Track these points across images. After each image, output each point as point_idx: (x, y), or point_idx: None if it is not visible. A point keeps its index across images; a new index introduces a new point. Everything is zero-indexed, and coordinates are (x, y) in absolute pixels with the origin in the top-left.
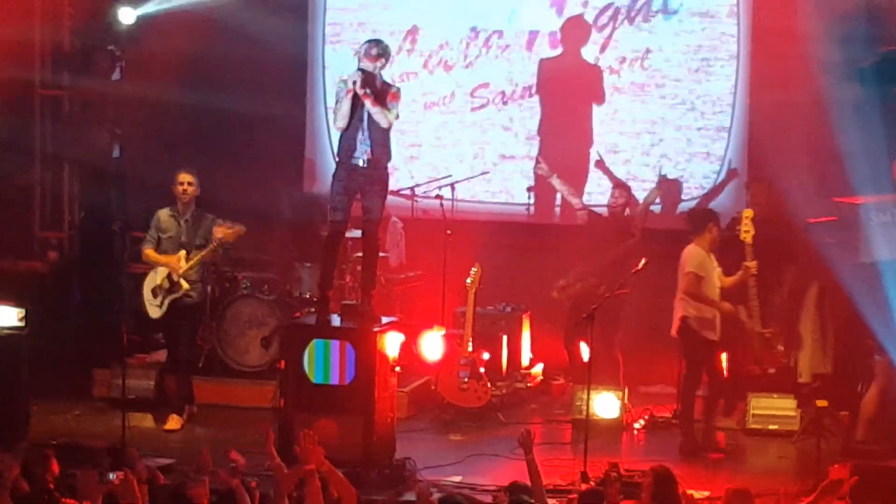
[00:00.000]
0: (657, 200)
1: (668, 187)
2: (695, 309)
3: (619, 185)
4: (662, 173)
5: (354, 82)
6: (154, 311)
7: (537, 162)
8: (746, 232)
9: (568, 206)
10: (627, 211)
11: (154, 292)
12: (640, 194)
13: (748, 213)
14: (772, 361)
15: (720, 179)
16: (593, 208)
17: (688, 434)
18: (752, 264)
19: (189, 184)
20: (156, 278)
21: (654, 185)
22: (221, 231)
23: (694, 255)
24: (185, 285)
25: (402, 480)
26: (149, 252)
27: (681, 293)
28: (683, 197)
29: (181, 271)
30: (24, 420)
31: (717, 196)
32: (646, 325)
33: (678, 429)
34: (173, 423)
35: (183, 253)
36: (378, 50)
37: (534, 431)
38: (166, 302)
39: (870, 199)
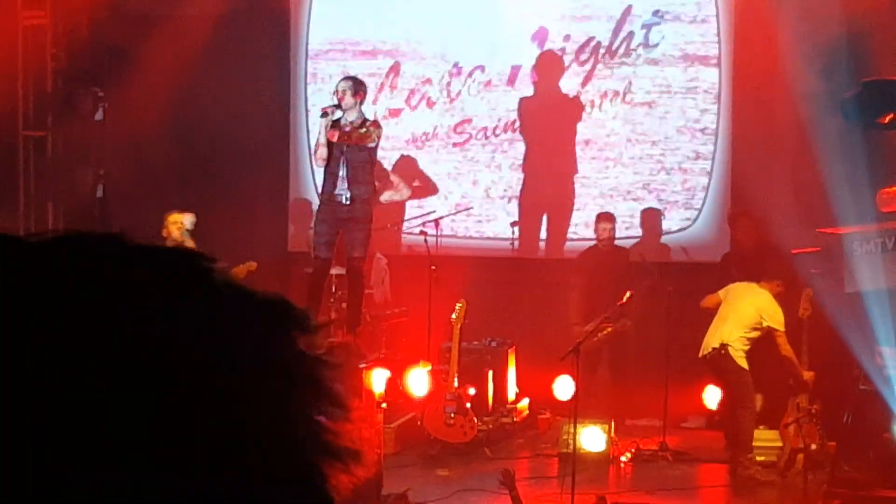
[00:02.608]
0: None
1: (651, 218)
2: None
3: (607, 217)
4: (648, 206)
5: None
6: None
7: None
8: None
9: (553, 241)
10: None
11: None
12: (620, 227)
13: (808, 292)
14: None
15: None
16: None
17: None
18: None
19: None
20: None
21: (636, 217)
22: (236, 271)
23: (778, 311)
24: None
25: None
26: None
27: (749, 339)
28: (666, 230)
29: None
30: None
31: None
32: (632, 358)
33: (664, 461)
34: None
35: None
36: (341, 88)
37: (520, 466)
38: None
39: (853, 229)
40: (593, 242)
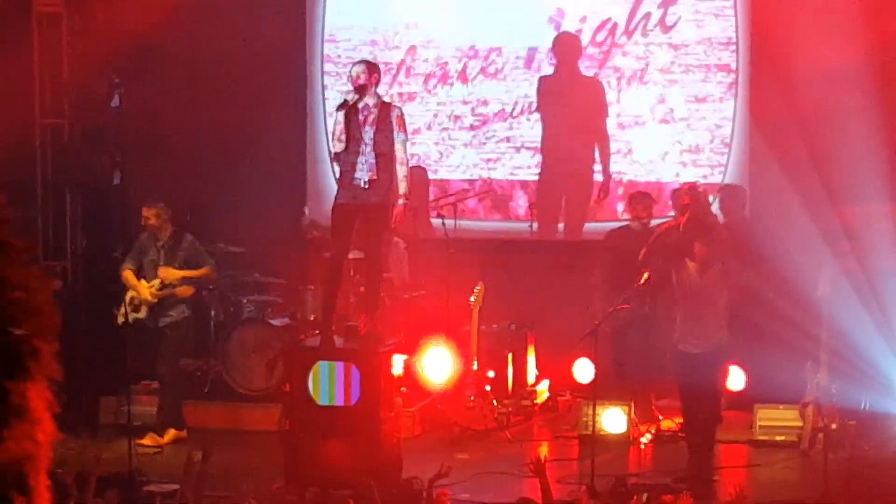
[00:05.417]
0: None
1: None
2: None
3: (640, 197)
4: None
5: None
6: (119, 318)
7: None
8: None
9: (571, 223)
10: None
11: (132, 301)
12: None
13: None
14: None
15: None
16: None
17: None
18: None
19: (147, 217)
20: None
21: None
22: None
23: None
24: (144, 310)
25: (412, 499)
26: (125, 274)
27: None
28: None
29: (145, 297)
30: None
31: None
32: (661, 340)
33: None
34: (151, 440)
35: (157, 281)
36: (355, 72)
37: (541, 448)
38: (130, 317)
39: (875, 208)
40: (613, 224)
